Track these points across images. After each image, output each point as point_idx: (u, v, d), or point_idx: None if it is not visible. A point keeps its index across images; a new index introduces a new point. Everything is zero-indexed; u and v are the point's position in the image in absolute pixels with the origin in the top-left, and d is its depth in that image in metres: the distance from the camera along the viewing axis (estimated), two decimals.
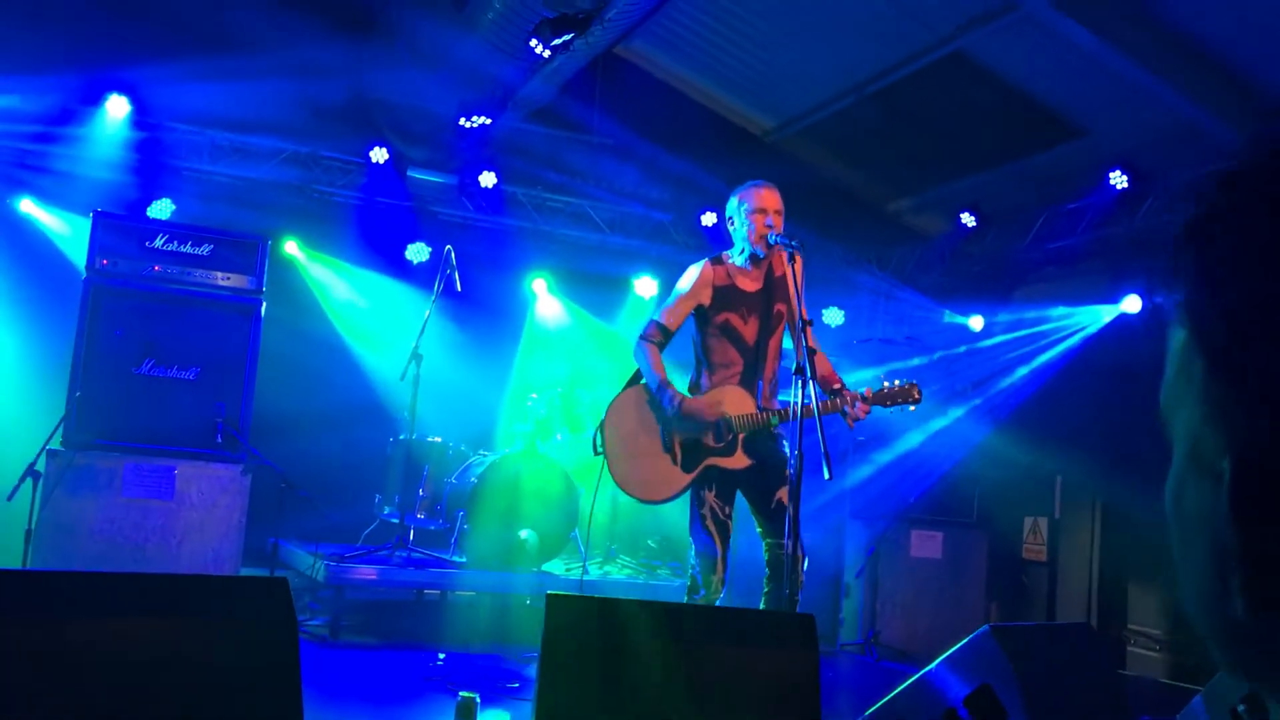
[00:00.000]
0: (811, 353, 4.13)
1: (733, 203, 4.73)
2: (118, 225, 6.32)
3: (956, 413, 8.24)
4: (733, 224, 4.72)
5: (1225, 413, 0.59)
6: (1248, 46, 6.75)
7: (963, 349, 9.16)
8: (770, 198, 4.63)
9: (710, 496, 4.54)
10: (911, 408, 4.43)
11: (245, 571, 6.41)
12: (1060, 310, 8.57)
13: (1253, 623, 0.58)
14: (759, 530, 4.58)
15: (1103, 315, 8.30)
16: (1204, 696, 3.22)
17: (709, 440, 4.53)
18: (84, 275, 6.21)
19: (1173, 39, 6.79)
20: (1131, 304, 8.08)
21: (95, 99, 7.70)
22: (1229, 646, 0.60)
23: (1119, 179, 7.61)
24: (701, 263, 4.74)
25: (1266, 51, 6.73)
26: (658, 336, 4.68)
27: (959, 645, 3.32)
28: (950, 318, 9.49)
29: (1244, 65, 6.91)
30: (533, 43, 7.00)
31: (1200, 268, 0.61)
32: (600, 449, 4.69)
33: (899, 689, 3.42)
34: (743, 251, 4.68)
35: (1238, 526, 0.58)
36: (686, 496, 4.64)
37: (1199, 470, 0.61)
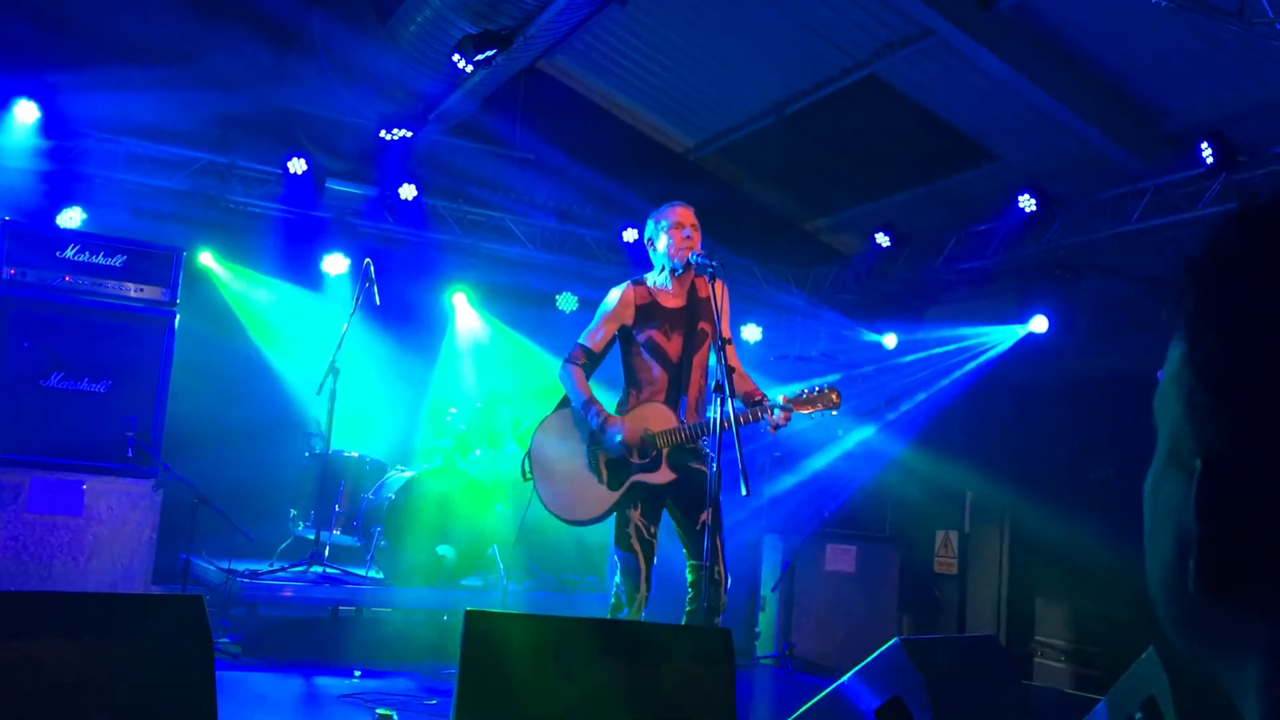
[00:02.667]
0: (730, 370, 4.19)
1: (650, 225, 4.81)
2: (27, 235, 6.16)
3: (870, 430, 8.39)
4: (652, 245, 4.78)
5: (1203, 416, 0.67)
6: (1148, 77, 7.02)
7: (877, 367, 9.34)
8: (686, 214, 4.73)
9: (635, 515, 4.57)
10: (833, 412, 4.49)
11: (156, 589, 6.29)
12: (971, 329, 8.79)
13: (1203, 604, 0.66)
14: (684, 551, 4.62)
15: (1011, 335, 8.52)
16: (1106, 703, 3.34)
17: (633, 457, 4.57)
18: None
19: (1079, 69, 7.04)
20: (1039, 324, 8.31)
21: (2, 104, 7.50)
22: (1184, 626, 0.68)
23: (1027, 202, 7.84)
24: (623, 285, 4.80)
25: (1164, 82, 7.01)
26: (582, 359, 4.71)
27: (870, 658, 3.39)
28: (865, 336, 9.66)
29: (1144, 95, 7.19)
30: (455, 57, 7.00)
31: (1204, 290, 0.68)
32: (529, 474, 4.71)
33: (813, 701, 3.48)
34: (663, 269, 4.75)
35: (1200, 517, 0.65)
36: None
37: (1176, 465, 0.68)
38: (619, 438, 4.53)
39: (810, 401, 4.47)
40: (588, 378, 4.72)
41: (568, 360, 4.73)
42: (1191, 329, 0.68)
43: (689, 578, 4.56)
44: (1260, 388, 0.64)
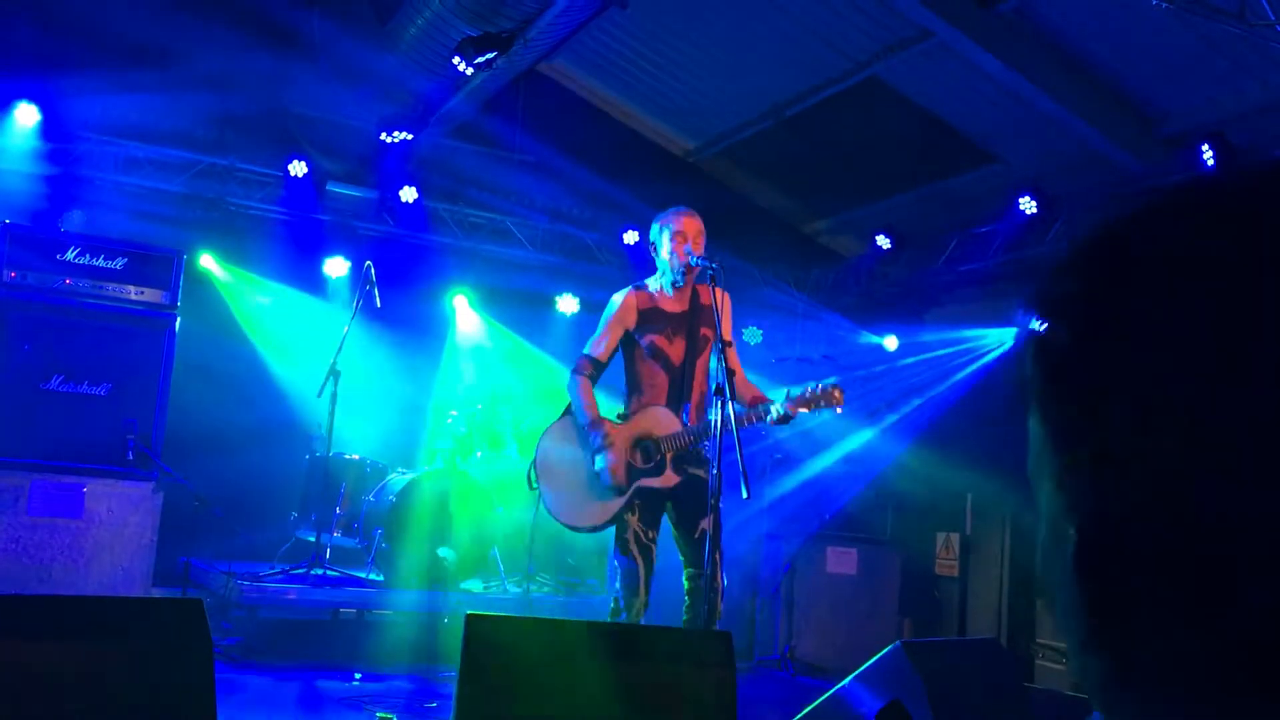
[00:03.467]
0: (731, 373, 4.18)
1: (655, 228, 4.78)
2: (27, 237, 6.16)
3: (871, 432, 8.39)
4: (655, 249, 4.76)
5: (1069, 483, 0.64)
6: (1148, 79, 7.02)
7: (877, 369, 9.33)
8: (691, 223, 4.68)
9: (634, 520, 4.56)
10: (837, 410, 4.46)
11: (156, 592, 6.29)
12: (971, 331, 8.78)
13: (1092, 666, 0.63)
14: (681, 558, 4.61)
15: (1012, 337, 8.51)
16: None
17: (637, 461, 4.56)
18: None
19: (1079, 70, 7.03)
20: (1040, 326, 8.29)
21: (2, 107, 7.50)
22: (1087, 690, 0.65)
23: (1028, 204, 7.83)
24: (624, 290, 4.78)
25: (1165, 84, 7.01)
26: (589, 369, 4.70)
27: (871, 661, 3.39)
28: (866, 338, 9.66)
29: (1144, 96, 7.18)
30: (455, 60, 7.00)
31: (1047, 350, 0.65)
32: (534, 484, 4.71)
33: (813, 704, 3.48)
34: (664, 275, 4.74)
35: (1080, 585, 0.63)
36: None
37: (1055, 538, 0.65)
38: (602, 466, 4.52)
39: (814, 400, 4.45)
40: (594, 386, 4.72)
41: (575, 371, 4.72)
42: (1038, 390, 0.65)
43: (686, 585, 4.55)
44: (1126, 451, 0.60)
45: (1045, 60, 6.97)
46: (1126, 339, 0.62)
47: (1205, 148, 6.64)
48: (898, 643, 3.35)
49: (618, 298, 4.75)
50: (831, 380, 4.50)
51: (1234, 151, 6.60)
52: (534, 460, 4.74)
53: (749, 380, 4.70)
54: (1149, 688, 0.60)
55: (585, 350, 4.74)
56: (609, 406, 4.75)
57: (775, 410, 4.40)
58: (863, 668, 3.39)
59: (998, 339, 8.61)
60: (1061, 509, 0.65)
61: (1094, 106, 7.19)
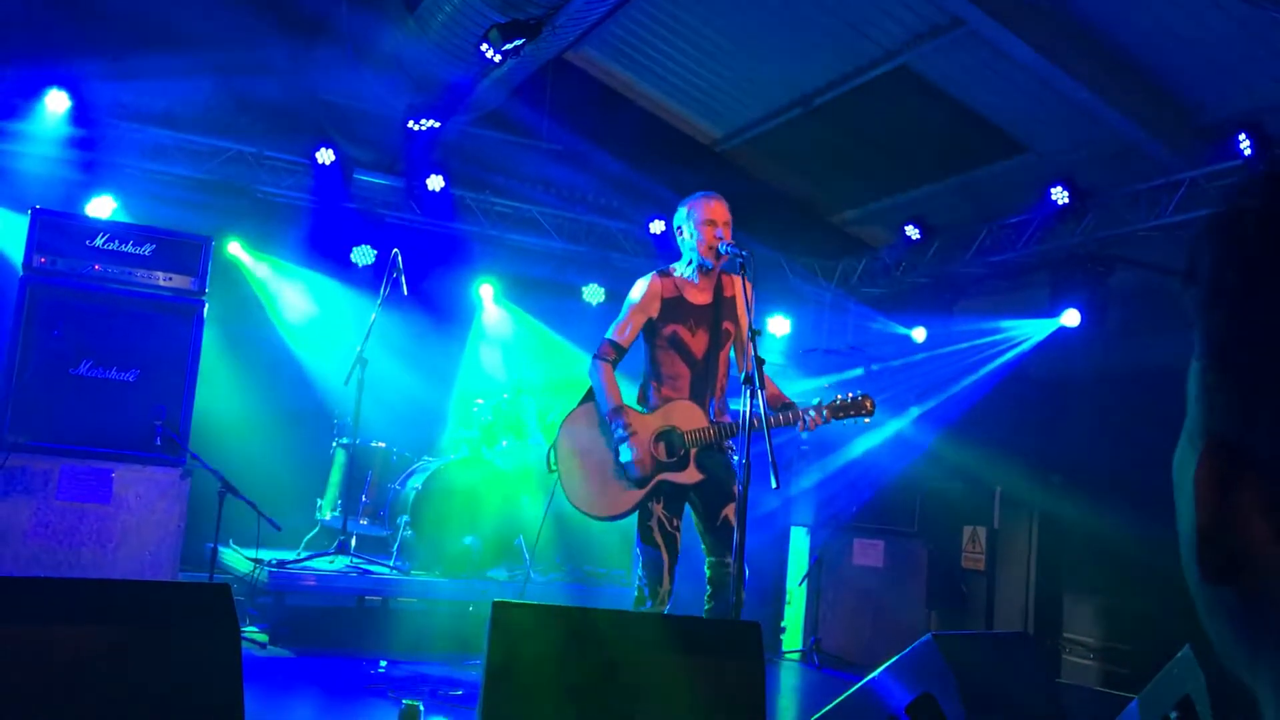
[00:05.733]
0: (760, 363, 4.14)
1: (681, 213, 4.72)
2: (57, 223, 6.19)
3: (899, 424, 8.33)
4: (681, 234, 4.71)
5: (1211, 396, 0.64)
6: (1182, 67, 6.92)
7: (906, 360, 9.27)
8: (719, 209, 4.63)
9: (659, 509, 4.53)
10: (865, 419, 4.46)
11: (183, 577, 6.32)
12: (1001, 323, 8.70)
13: (1216, 594, 0.64)
14: (703, 546, 4.58)
15: (1043, 329, 8.43)
16: (1139, 702, 3.29)
17: (660, 453, 4.53)
18: (21, 273, 6.08)
19: (1112, 59, 6.94)
20: (1071, 318, 8.22)
21: (34, 93, 7.54)
22: (1206, 617, 0.66)
23: (1060, 194, 7.74)
24: (649, 276, 4.73)
25: (1200, 72, 6.90)
26: (611, 354, 4.66)
27: (902, 653, 3.35)
28: (894, 329, 9.59)
29: (1179, 85, 7.08)
30: (483, 47, 6.98)
31: (1213, 266, 0.66)
32: (554, 466, 4.68)
33: (842, 697, 3.45)
34: (691, 263, 4.69)
35: (1199, 502, 0.63)
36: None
37: (1191, 447, 0.66)
38: (627, 458, 4.48)
39: (844, 409, 4.43)
40: (616, 370, 4.68)
41: (597, 356, 4.67)
42: (1202, 303, 0.66)
43: (708, 574, 4.52)
44: (1268, 367, 0.61)
45: (1078, 48, 6.88)
46: None
47: (1242, 137, 6.54)
48: (929, 635, 3.31)
49: (642, 283, 4.71)
50: (861, 389, 4.50)
51: (1271, 141, 6.49)
52: (554, 443, 4.71)
53: (767, 375, 4.66)
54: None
55: (608, 335, 4.70)
56: (628, 392, 4.71)
57: (806, 419, 4.38)
58: (894, 659, 3.35)
59: (1028, 331, 8.53)
60: (1199, 419, 0.66)
61: (1128, 96, 7.09)
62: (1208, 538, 0.62)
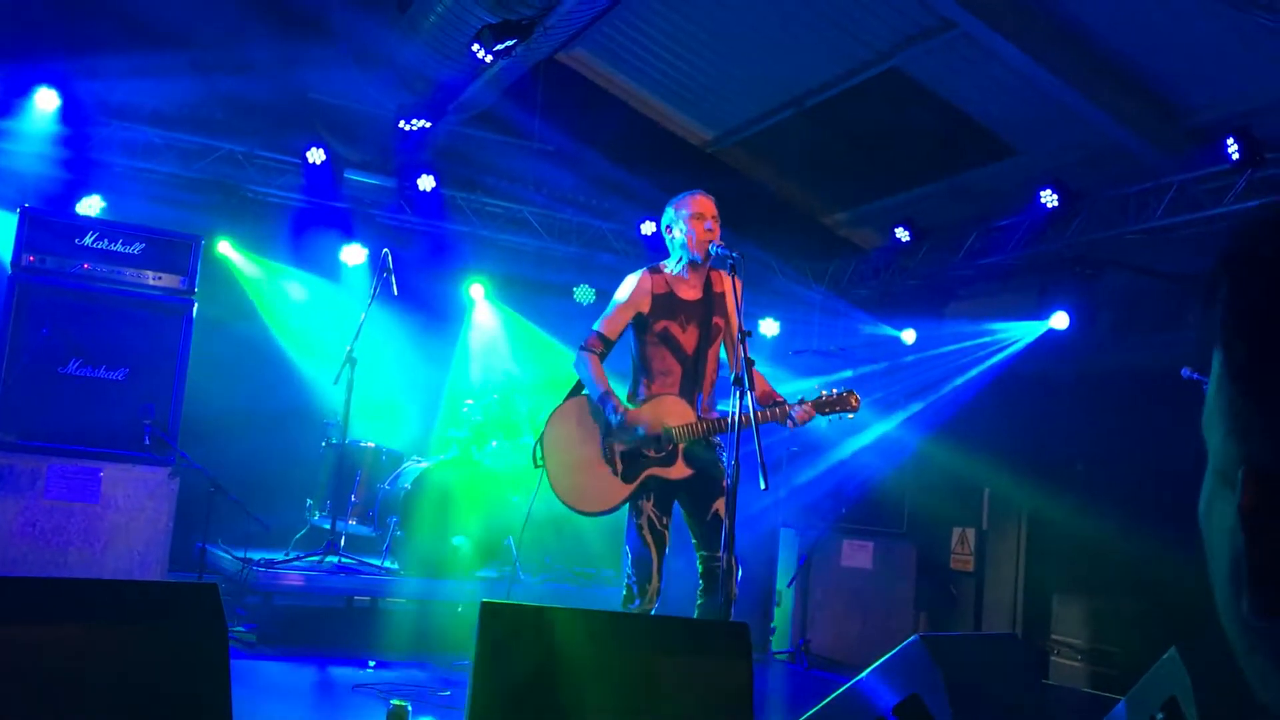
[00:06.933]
0: (749, 364, 4.15)
1: (669, 212, 4.74)
2: (46, 222, 6.17)
3: (888, 425, 8.35)
4: (670, 232, 4.73)
5: (1244, 426, 0.62)
6: (1172, 71, 6.94)
7: (895, 362, 9.29)
8: (707, 204, 4.66)
9: (648, 506, 4.54)
10: (850, 415, 4.47)
11: (171, 577, 6.30)
12: (991, 325, 8.73)
13: (1258, 625, 0.61)
14: (694, 542, 4.59)
15: (1032, 331, 8.46)
16: (1126, 703, 3.30)
17: (649, 451, 4.53)
18: (10, 272, 6.07)
19: (1101, 62, 6.96)
20: (1060, 320, 8.25)
21: (23, 91, 7.51)
22: (1242, 650, 0.63)
23: (1049, 197, 7.77)
24: (640, 272, 4.74)
25: (1189, 76, 6.93)
26: (598, 347, 4.67)
27: (890, 654, 3.36)
28: (884, 331, 9.61)
29: (1168, 89, 7.10)
30: (475, 47, 6.98)
31: (1234, 291, 0.64)
32: (540, 461, 4.67)
33: (830, 697, 3.46)
34: (680, 260, 4.70)
35: (1246, 533, 0.61)
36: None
37: (1223, 483, 0.64)
38: (641, 432, 4.50)
39: (830, 404, 4.45)
40: (602, 364, 4.68)
41: (583, 348, 4.68)
42: (1226, 335, 0.64)
43: (700, 569, 4.53)
44: None
45: (1068, 52, 6.90)
46: None
47: (1231, 141, 6.56)
48: (917, 636, 3.32)
49: (632, 279, 4.72)
50: (844, 376, 4.51)
51: (1260, 145, 6.52)
52: (540, 437, 4.71)
53: (758, 372, 4.67)
54: None
55: (595, 327, 4.70)
56: (618, 390, 4.70)
57: (793, 414, 4.40)
58: (881, 660, 3.36)
59: (1017, 333, 8.56)
60: (1230, 451, 0.63)
61: (1117, 99, 7.11)
62: (1263, 572, 0.60)
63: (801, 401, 4.46)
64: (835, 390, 4.48)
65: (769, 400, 4.52)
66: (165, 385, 6.20)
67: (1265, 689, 0.62)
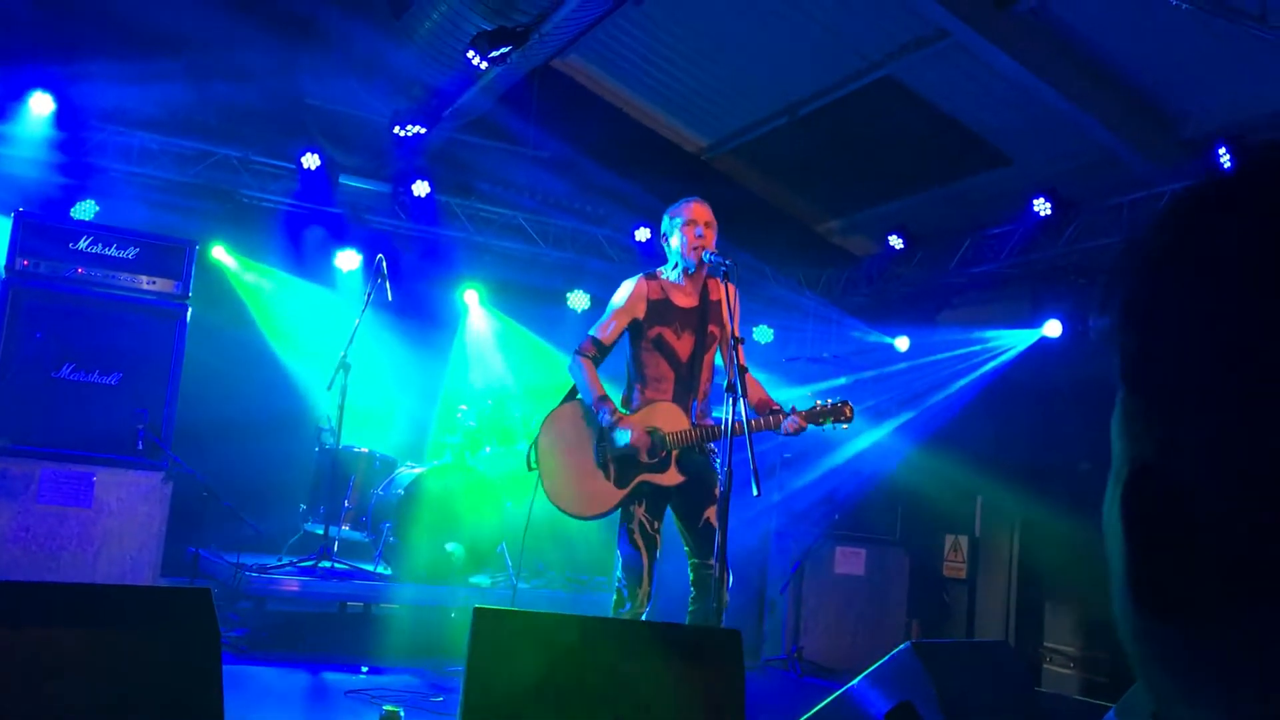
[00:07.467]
0: (743, 370, 4.17)
1: (666, 220, 4.78)
2: (40, 226, 6.17)
3: (881, 432, 8.36)
4: (667, 240, 4.76)
5: (1130, 424, 0.63)
6: (1164, 81, 6.98)
7: (888, 369, 9.30)
8: (700, 210, 4.68)
9: (639, 511, 4.55)
10: (844, 426, 4.48)
11: (164, 582, 6.29)
12: (984, 333, 8.75)
13: (1141, 624, 0.60)
14: (686, 549, 4.60)
15: (1024, 339, 8.48)
16: (1116, 712, 3.31)
17: (642, 456, 4.54)
18: (3, 276, 6.06)
19: (1095, 72, 6.99)
20: (1052, 328, 8.27)
21: (17, 95, 7.51)
22: (1130, 649, 0.62)
23: (1042, 206, 7.80)
24: (636, 278, 4.76)
25: (1181, 86, 6.97)
26: (593, 351, 4.68)
27: (881, 661, 3.37)
28: (877, 338, 9.63)
29: (1160, 98, 7.14)
30: (470, 54, 6.99)
31: (1128, 291, 0.64)
32: (534, 464, 4.68)
33: (822, 705, 3.46)
34: (676, 266, 4.72)
35: (1126, 533, 0.60)
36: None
37: (1115, 482, 0.63)
38: (626, 440, 4.51)
39: (823, 414, 4.46)
40: (598, 370, 4.70)
41: (578, 352, 4.70)
42: (1118, 331, 0.64)
43: (691, 576, 4.54)
44: (1182, 388, 0.59)
45: (1062, 61, 6.93)
46: (1198, 279, 0.60)
47: (1223, 151, 6.59)
48: (908, 643, 3.33)
49: (629, 284, 4.74)
50: (838, 382, 4.53)
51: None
52: (534, 440, 4.72)
53: (754, 379, 4.68)
54: (1214, 653, 0.57)
55: (591, 332, 4.72)
56: (612, 395, 4.72)
57: (786, 424, 4.41)
58: (873, 668, 3.37)
59: (1010, 341, 8.58)
60: (1122, 452, 0.63)
61: (1111, 108, 7.15)
62: (1142, 569, 0.59)
63: (794, 411, 4.47)
64: (829, 401, 4.49)
65: (764, 407, 4.53)
66: (159, 390, 6.20)
67: (1158, 696, 0.61)
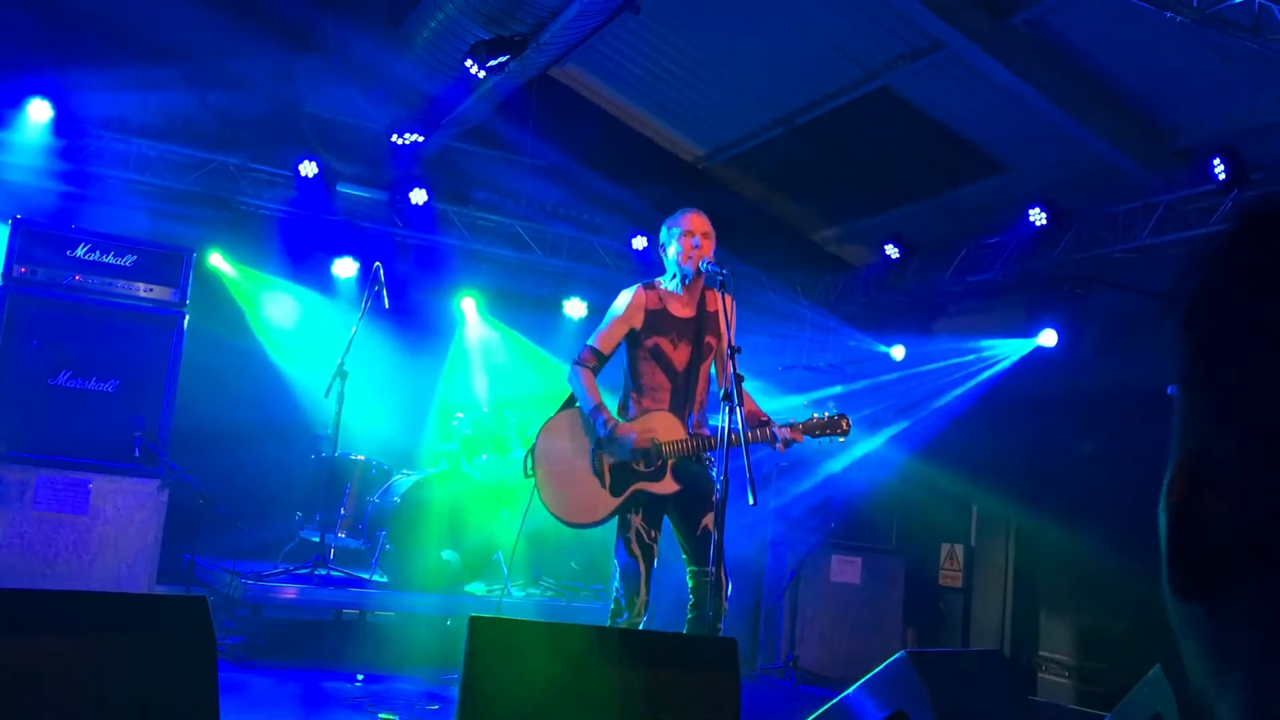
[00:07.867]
0: (739, 380, 4.18)
1: (664, 230, 4.79)
2: (38, 233, 6.18)
3: (877, 441, 8.37)
4: (665, 250, 4.78)
5: (1183, 412, 0.67)
6: (1160, 92, 7.01)
7: (884, 378, 9.32)
8: (698, 221, 4.70)
9: (636, 519, 4.56)
10: (840, 439, 4.50)
11: (160, 589, 6.29)
12: (979, 342, 8.77)
13: (1175, 606, 0.64)
14: (684, 556, 4.61)
15: (1020, 348, 8.50)
16: (1111, 719, 3.32)
17: (638, 465, 4.55)
18: (0, 283, 6.07)
19: (1090, 83, 7.02)
20: (1048, 338, 8.29)
21: (16, 102, 7.52)
22: (1178, 635, 0.66)
23: (1038, 215, 7.82)
24: (635, 287, 4.78)
25: (1177, 97, 7.00)
26: (592, 361, 4.70)
27: (876, 670, 3.38)
28: (873, 347, 9.65)
29: (1156, 110, 7.17)
30: (468, 63, 7.01)
31: (1191, 291, 0.68)
32: (530, 472, 4.69)
33: (817, 713, 3.47)
34: (674, 276, 4.74)
35: (1169, 513, 0.63)
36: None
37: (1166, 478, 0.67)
38: (630, 445, 4.52)
39: (820, 427, 4.47)
40: (596, 379, 4.71)
41: (577, 362, 4.71)
42: (1180, 336, 0.68)
43: (689, 584, 4.55)
44: (1235, 376, 0.63)
45: (1057, 72, 6.96)
46: (1257, 295, 0.64)
47: (1217, 162, 6.62)
48: (903, 652, 3.34)
49: (626, 294, 4.76)
50: (837, 406, 4.55)
51: (1246, 166, 6.58)
52: (531, 448, 4.73)
53: (748, 394, 4.69)
54: (1246, 635, 0.60)
55: (589, 342, 4.74)
56: (609, 404, 4.73)
57: (782, 436, 4.42)
58: (868, 676, 3.37)
59: (1005, 350, 8.60)
60: (1172, 447, 0.67)
61: (1106, 119, 7.17)
62: (1177, 552, 0.62)
63: (791, 424, 4.48)
64: (826, 413, 4.51)
65: (755, 420, 4.54)
66: (156, 397, 6.20)
67: (1191, 669, 0.65)
